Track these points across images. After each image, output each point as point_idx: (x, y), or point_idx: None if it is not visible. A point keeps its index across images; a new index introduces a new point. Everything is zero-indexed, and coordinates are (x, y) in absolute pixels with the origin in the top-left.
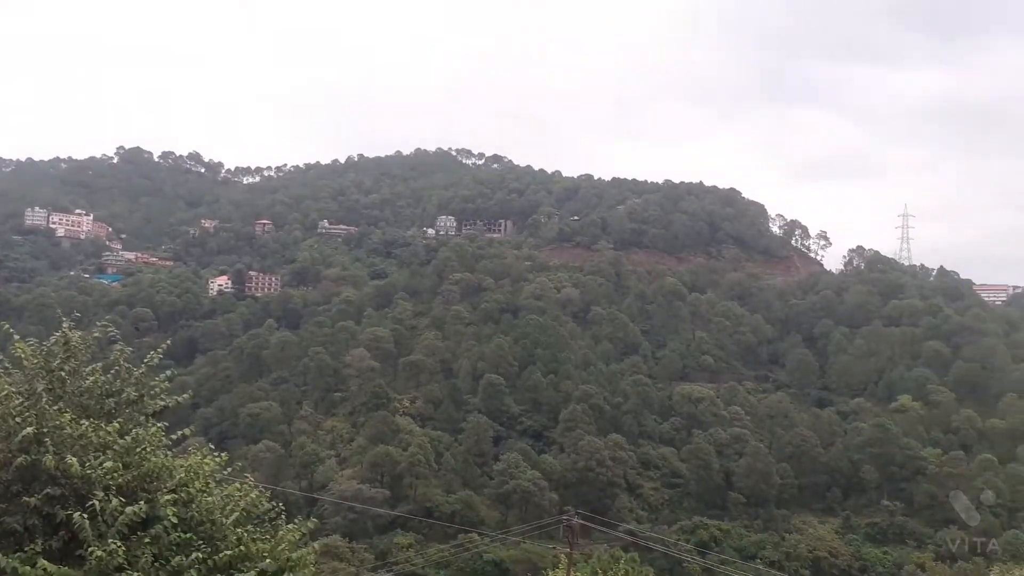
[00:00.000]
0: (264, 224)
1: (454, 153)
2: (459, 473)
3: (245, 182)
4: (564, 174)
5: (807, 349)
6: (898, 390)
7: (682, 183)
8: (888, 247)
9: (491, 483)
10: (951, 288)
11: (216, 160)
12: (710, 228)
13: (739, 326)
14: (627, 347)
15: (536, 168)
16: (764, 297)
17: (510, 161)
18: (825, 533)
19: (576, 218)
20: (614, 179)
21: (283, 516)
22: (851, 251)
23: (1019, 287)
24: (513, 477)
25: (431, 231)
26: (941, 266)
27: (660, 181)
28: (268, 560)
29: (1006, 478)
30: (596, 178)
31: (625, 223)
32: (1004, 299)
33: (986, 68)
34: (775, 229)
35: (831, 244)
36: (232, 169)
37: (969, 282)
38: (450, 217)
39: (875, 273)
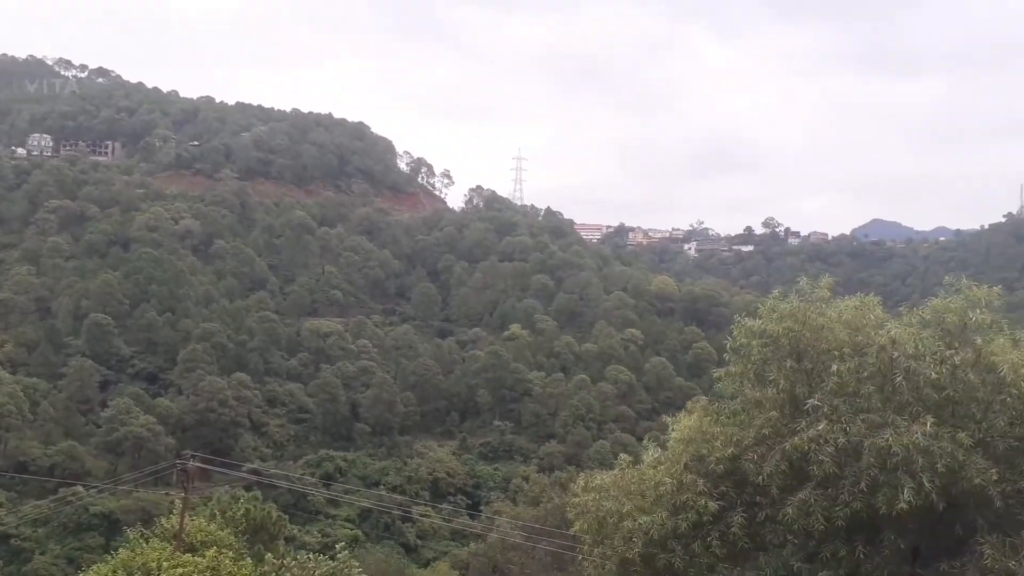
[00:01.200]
0: None
1: (50, 63)
2: (60, 423)
3: None
4: (182, 95)
5: (431, 283)
6: (510, 319)
7: (311, 113)
8: (504, 187)
9: (98, 431)
10: (556, 227)
11: None
12: (339, 161)
13: (368, 261)
14: (253, 282)
15: (149, 86)
16: (392, 232)
17: (118, 76)
18: (444, 455)
19: (196, 143)
20: (239, 104)
21: None
22: (471, 190)
23: (611, 227)
24: (124, 424)
25: (21, 151)
26: (548, 207)
27: (288, 109)
28: None
29: (596, 395)
30: (219, 101)
31: (251, 151)
32: (599, 237)
33: (586, 21)
34: (403, 165)
35: (454, 182)
36: None
37: (571, 222)
38: (45, 136)
39: (492, 212)
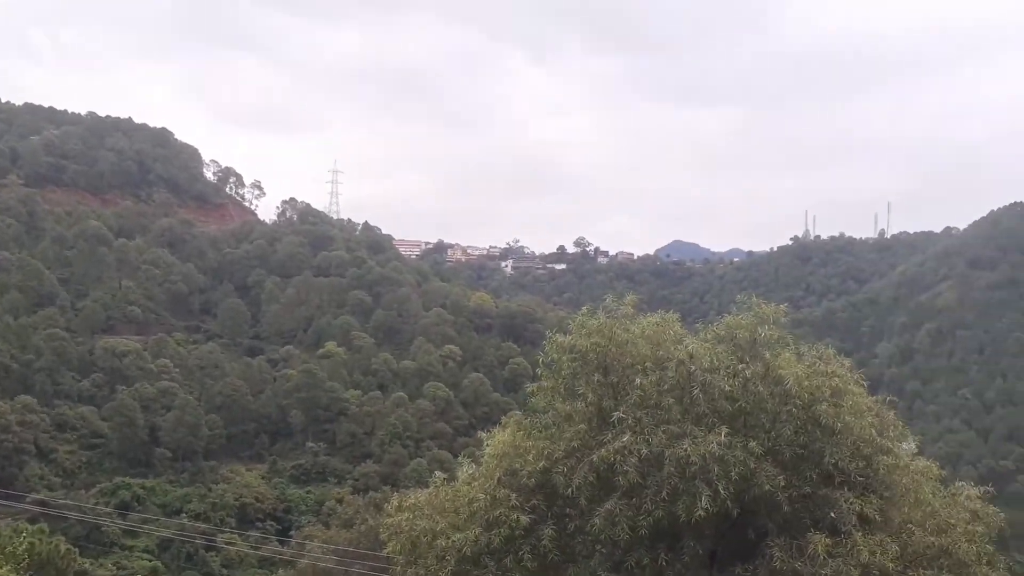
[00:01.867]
0: None
1: None
2: None
3: None
4: None
5: (240, 299)
6: (326, 336)
7: (109, 117)
8: (320, 200)
9: None
10: (374, 242)
11: None
12: (140, 169)
13: (170, 275)
14: (41, 298)
15: None
16: (197, 245)
17: None
18: (252, 479)
19: None
20: (27, 105)
21: None
22: (284, 202)
23: (430, 243)
24: None
25: None
26: (366, 221)
27: (83, 113)
28: None
29: (414, 412)
30: (4, 102)
31: (40, 156)
32: (418, 253)
33: (404, 33)
34: (209, 175)
35: (265, 194)
36: None
37: (389, 237)
38: None
39: (307, 225)
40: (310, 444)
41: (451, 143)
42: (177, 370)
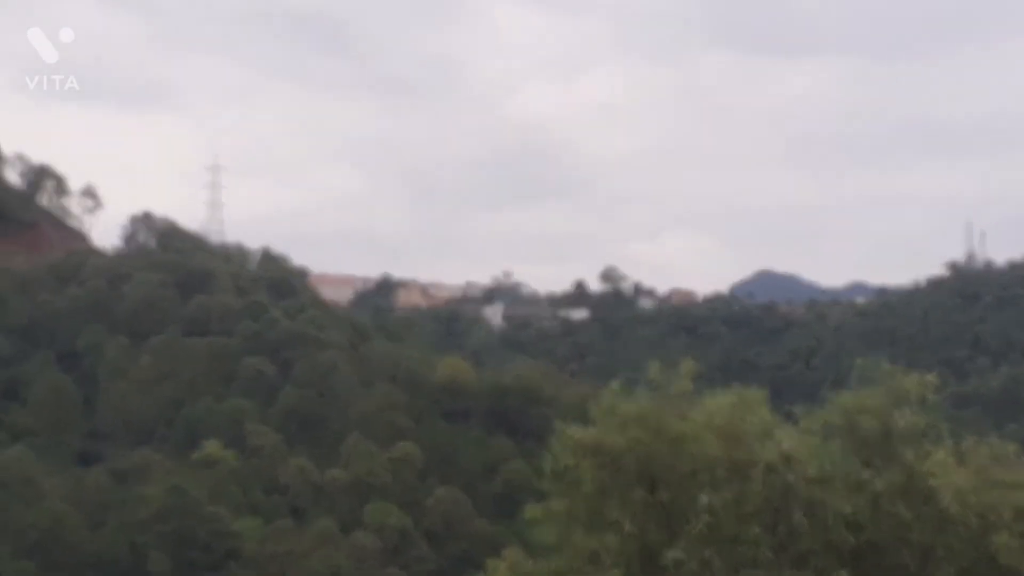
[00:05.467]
0: None
1: None
2: None
3: None
4: None
5: (65, 373)
6: (205, 431)
7: None
8: (192, 214)
9: None
10: (280, 279)
11: None
12: None
13: None
14: None
15: None
16: None
17: None
18: None
19: None
20: None
21: None
22: (135, 219)
23: (369, 278)
24: None
25: None
26: (266, 247)
27: None
28: None
29: (350, 551)
30: None
31: None
32: (351, 296)
33: None
34: (14, 177)
35: (103, 206)
36: None
37: (304, 270)
38: None
39: (171, 254)
40: None
41: (396, 122)
42: None
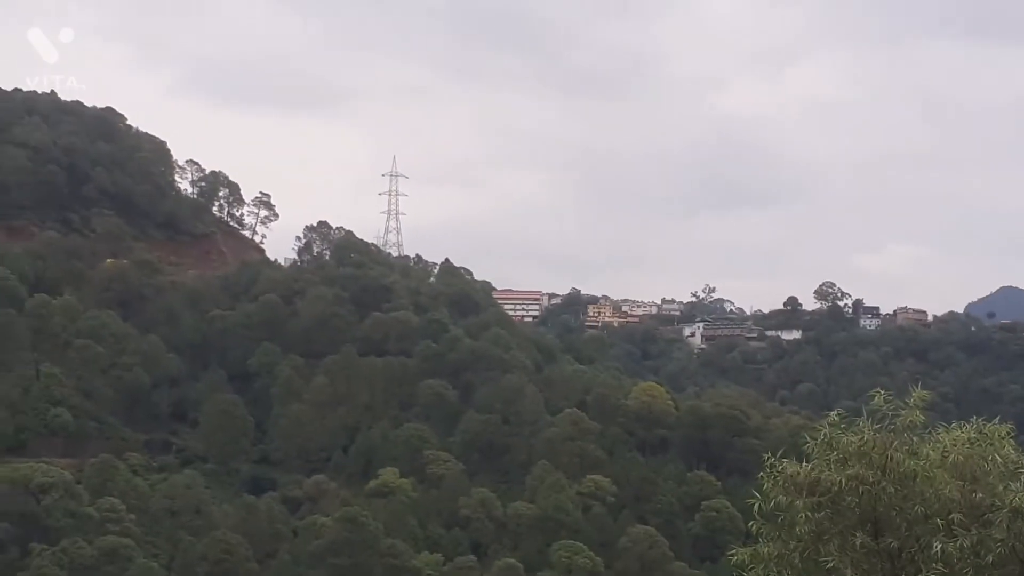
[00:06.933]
0: None
1: None
2: None
3: None
4: None
5: (237, 394)
6: (380, 460)
7: (18, 91)
8: (370, 225)
9: None
10: (461, 294)
11: None
12: (69, 176)
13: (121, 354)
14: None
15: None
16: (166, 303)
17: None
18: None
19: None
20: None
21: None
22: (310, 228)
23: (556, 294)
24: None
25: None
26: (447, 260)
27: None
28: None
29: None
30: None
31: None
32: (537, 312)
33: None
34: (185, 185)
35: (278, 216)
36: None
37: (487, 285)
38: None
39: (349, 267)
40: None
41: (585, 123)
42: (132, 516)
